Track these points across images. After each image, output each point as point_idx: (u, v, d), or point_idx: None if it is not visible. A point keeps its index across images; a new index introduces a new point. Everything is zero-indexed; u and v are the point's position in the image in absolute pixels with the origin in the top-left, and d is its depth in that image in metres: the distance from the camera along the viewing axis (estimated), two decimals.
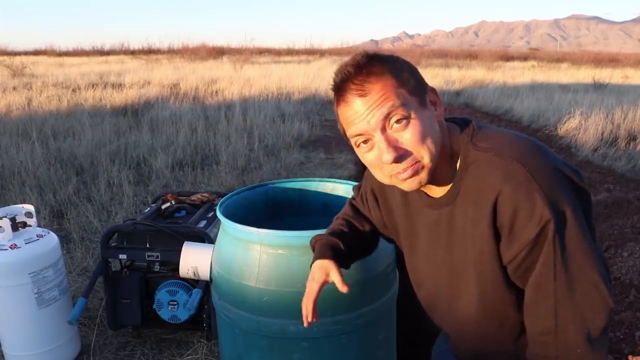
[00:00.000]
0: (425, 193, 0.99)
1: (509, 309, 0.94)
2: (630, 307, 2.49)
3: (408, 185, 0.91)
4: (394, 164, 0.87)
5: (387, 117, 0.85)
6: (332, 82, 0.90)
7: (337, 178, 1.84)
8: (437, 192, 0.97)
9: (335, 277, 1.04)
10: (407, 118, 0.85)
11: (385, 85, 0.85)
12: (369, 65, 0.87)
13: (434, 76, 15.23)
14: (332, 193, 1.75)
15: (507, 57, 32.25)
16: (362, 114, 0.86)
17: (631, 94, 11.28)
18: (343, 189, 1.74)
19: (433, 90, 0.93)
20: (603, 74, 15.42)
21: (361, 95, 0.85)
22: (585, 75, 17.89)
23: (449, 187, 0.94)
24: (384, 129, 0.86)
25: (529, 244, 0.83)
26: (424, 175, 0.89)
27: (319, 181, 1.78)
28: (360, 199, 1.23)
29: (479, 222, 0.88)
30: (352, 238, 1.18)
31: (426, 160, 0.88)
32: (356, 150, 0.92)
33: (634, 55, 33.49)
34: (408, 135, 0.86)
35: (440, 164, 0.91)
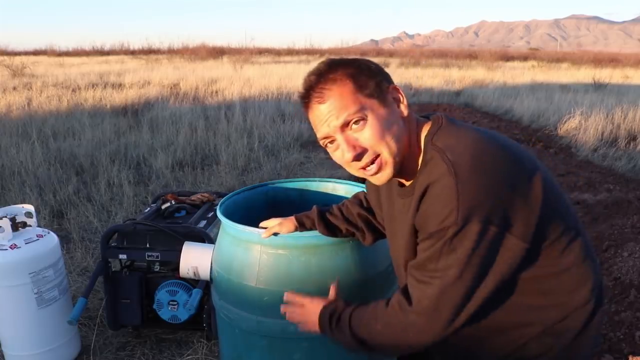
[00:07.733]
0: (400, 181, 1.04)
1: None
2: (630, 307, 2.48)
3: (377, 180, 0.98)
4: (356, 162, 0.94)
5: (345, 120, 0.93)
6: (299, 91, 0.99)
7: (337, 178, 1.84)
8: (407, 182, 1.02)
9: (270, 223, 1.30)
10: (364, 119, 0.93)
11: (343, 92, 0.93)
12: (328, 72, 0.94)
13: (434, 76, 15.21)
14: (332, 193, 1.75)
15: (507, 57, 32.23)
16: (323, 118, 0.94)
17: (631, 94, 11.28)
18: (343, 189, 1.74)
19: (396, 88, 0.98)
20: (603, 74, 15.41)
21: (320, 102, 0.94)
22: (585, 75, 17.88)
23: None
24: (343, 130, 0.94)
25: (428, 236, 0.89)
26: (389, 171, 0.96)
27: (319, 181, 1.78)
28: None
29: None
30: (343, 215, 1.30)
31: (386, 155, 0.94)
32: (328, 151, 1.00)
33: (634, 55, 33.47)
34: (366, 134, 0.93)
35: (408, 158, 0.97)
